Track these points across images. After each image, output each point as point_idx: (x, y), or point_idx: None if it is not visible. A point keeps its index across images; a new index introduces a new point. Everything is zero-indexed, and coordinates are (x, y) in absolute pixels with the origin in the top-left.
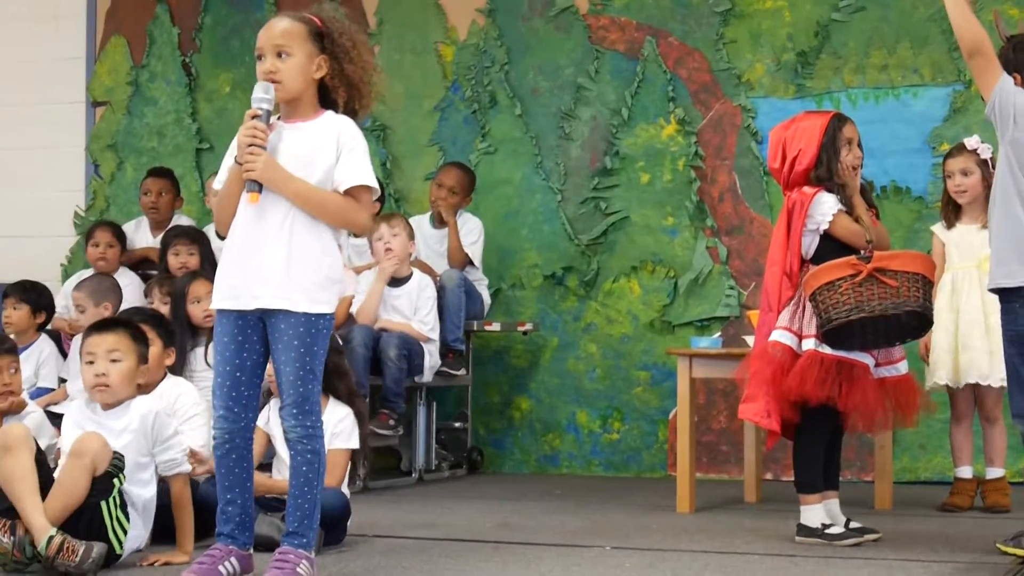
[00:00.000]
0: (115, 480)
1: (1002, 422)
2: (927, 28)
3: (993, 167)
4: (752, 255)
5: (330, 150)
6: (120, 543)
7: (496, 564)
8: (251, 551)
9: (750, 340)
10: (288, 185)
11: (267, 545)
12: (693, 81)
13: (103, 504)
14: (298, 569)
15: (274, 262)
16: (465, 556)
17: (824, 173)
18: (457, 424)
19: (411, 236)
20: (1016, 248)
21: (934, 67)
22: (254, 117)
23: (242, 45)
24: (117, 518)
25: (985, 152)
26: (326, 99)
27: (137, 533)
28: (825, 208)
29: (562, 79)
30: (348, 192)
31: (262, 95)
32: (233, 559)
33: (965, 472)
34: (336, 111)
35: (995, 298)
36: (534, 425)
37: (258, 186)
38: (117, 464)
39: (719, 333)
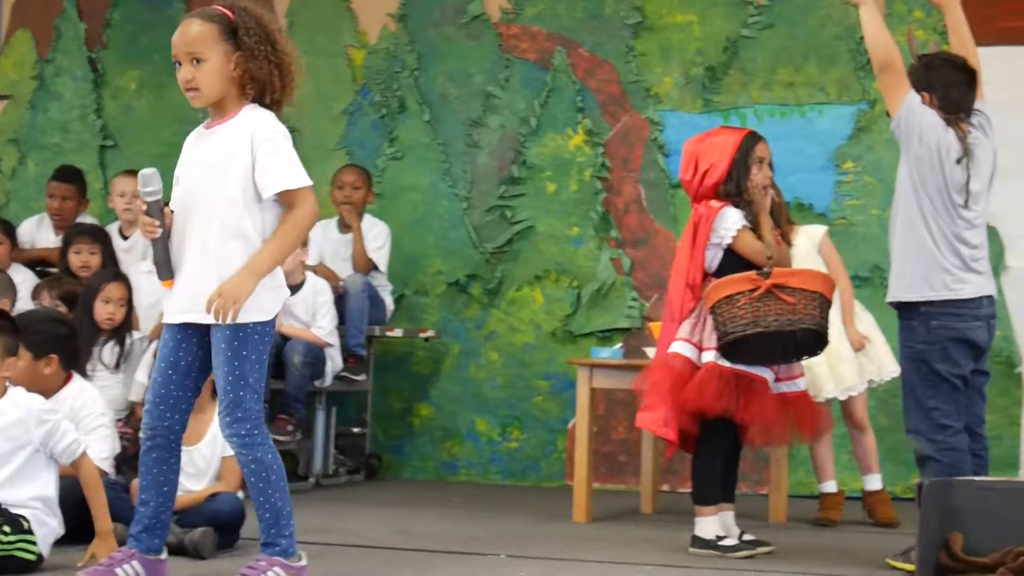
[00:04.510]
0: None
1: (870, 429)
2: (834, 47)
3: None
4: (656, 267)
5: (244, 153)
6: (33, 553)
7: (391, 571)
8: (161, 557)
9: (651, 352)
10: (252, 278)
11: (177, 552)
12: (602, 92)
13: None
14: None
15: (198, 280)
16: (360, 562)
17: (733, 189)
18: (356, 429)
19: (303, 244)
20: (917, 263)
21: (840, 85)
22: (147, 213)
23: (150, 42)
24: (14, 543)
25: None
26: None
27: (47, 531)
28: (729, 223)
29: (472, 86)
30: (279, 196)
31: (146, 188)
32: (135, 563)
33: (830, 487)
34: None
35: (835, 314)
36: (434, 432)
37: (169, 273)
38: None
39: (620, 344)
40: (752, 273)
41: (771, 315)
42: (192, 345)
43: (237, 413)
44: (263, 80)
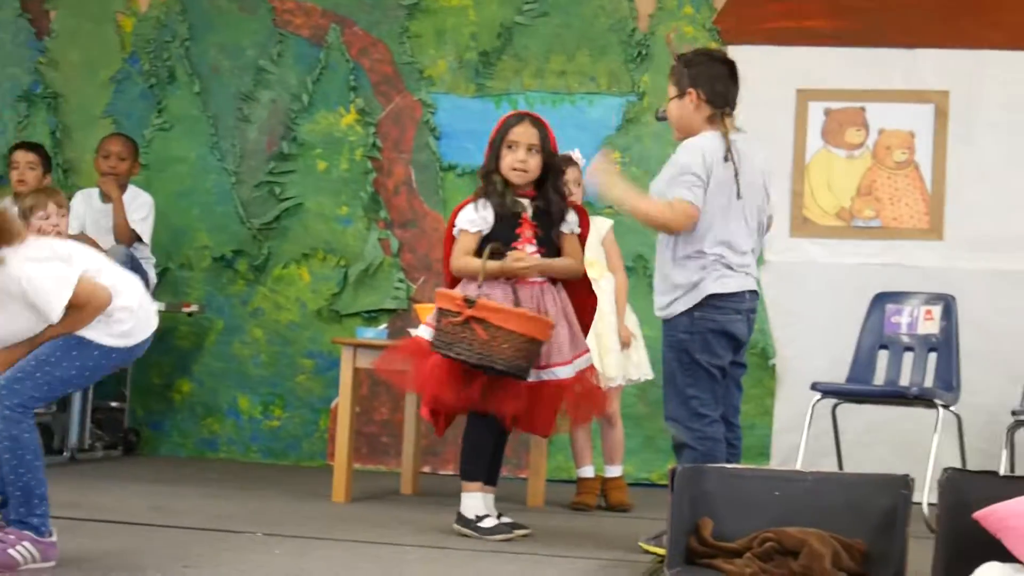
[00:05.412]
0: None
1: (620, 424)
2: (607, 38)
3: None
4: (424, 249)
5: (20, 307)
6: None
7: (143, 547)
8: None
9: (415, 332)
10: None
11: None
12: (375, 72)
13: None
14: (10, 551)
15: None
16: (112, 538)
17: (482, 172)
18: (115, 404)
19: (64, 212)
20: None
21: (611, 77)
22: None
23: None
24: None
25: (582, 163)
26: None
27: None
28: (458, 220)
29: (244, 60)
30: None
31: None
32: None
33: (587, 472)
34: None
35: (607, 307)
36: (194, 408)
37: None
38: None
39: (385, 325)
40: (460, 298)
41: (465, 342)
42: None
43: (15, 386)
44: None
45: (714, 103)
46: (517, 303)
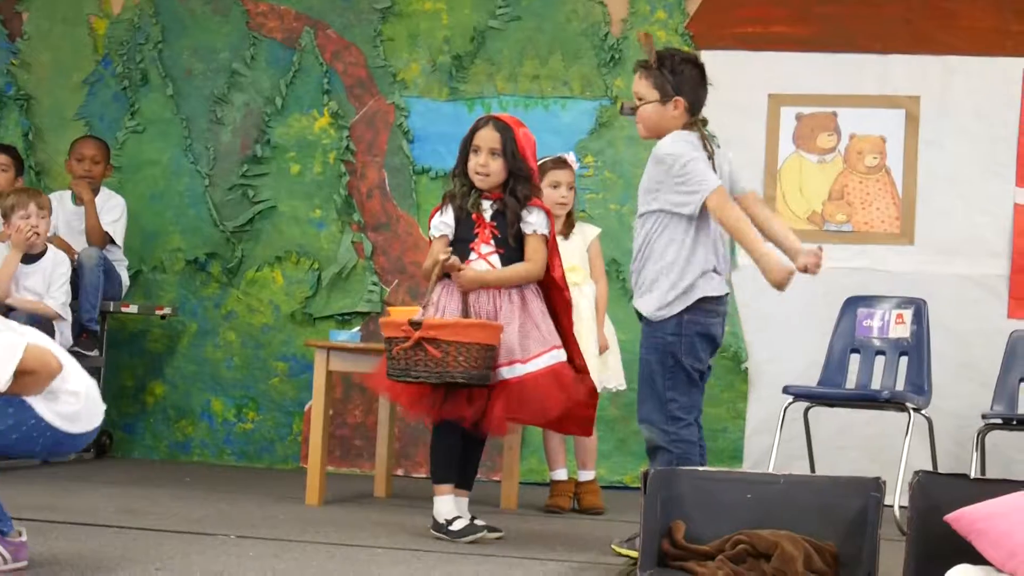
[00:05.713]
0: None
1: (593, 430)
2: (579, 42)
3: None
4: (397, 252)
5: None
6: None
7: (116, 549)
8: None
9: None
10: None
11: None
12: (349, 75)
13: None
14: None
15: None
16: (85, 540)
17: (452, 175)
18: None
19: (47, 213)
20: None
21: (583, 81)
22: None
23: None
24: None
25: (575, 166)
26: None
27: None
28: (431, 227)
29: (217, 63)
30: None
31: None
32: None
33: (561, 475)
34: None
35: (588, 312)
36: (167, 411)
37: None
38: None
39: (359, 328)
40: (405, 322)
41: (421, 365)
42: None
43: None
44: None
45: (693, 111)
46: (466, 312)
